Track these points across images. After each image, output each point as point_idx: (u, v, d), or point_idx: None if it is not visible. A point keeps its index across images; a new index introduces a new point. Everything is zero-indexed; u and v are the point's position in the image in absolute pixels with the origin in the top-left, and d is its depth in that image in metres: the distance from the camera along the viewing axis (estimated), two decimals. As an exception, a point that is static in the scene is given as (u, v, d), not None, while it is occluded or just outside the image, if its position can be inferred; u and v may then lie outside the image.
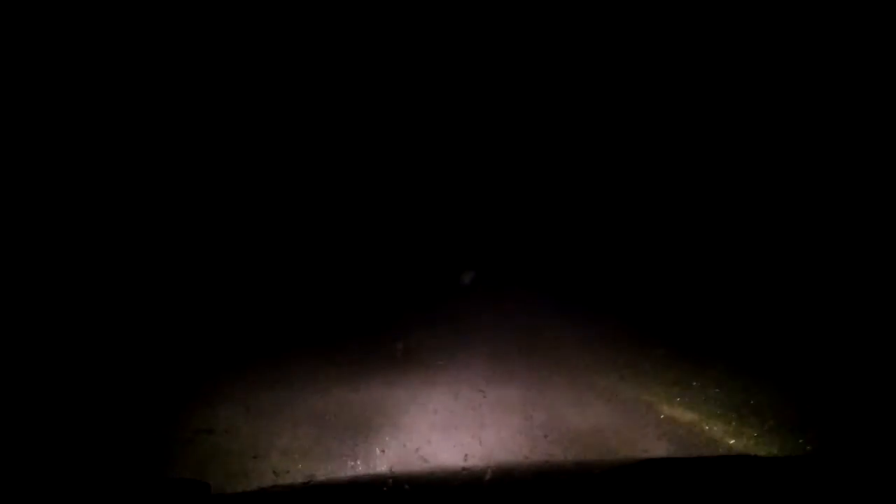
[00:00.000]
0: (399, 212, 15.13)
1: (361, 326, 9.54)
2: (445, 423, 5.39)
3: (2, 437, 4.84)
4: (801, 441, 4.65)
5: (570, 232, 14.78)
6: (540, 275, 14.22)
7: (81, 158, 10.79)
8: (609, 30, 13.01)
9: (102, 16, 10.83)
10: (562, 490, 2.22)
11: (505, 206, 15.80)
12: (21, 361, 6.63)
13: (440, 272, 13.00)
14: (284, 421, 5.48)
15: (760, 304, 8.87)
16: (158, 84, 11.92)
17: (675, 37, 12.26)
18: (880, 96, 9.64)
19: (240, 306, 9.88)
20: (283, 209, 13.47)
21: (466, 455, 4.01)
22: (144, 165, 11.64)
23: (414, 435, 5.08)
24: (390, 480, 2.33)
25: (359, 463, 4.66)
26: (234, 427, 5.24)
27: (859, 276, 8.53)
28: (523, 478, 2.62)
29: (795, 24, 10.66)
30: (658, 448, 4.82)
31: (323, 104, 14.01)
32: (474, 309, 10.88)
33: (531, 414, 5.54)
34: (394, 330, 8.95)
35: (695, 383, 6.31)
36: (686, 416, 5.55)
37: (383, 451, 4.80)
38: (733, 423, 5.20)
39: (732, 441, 4.91)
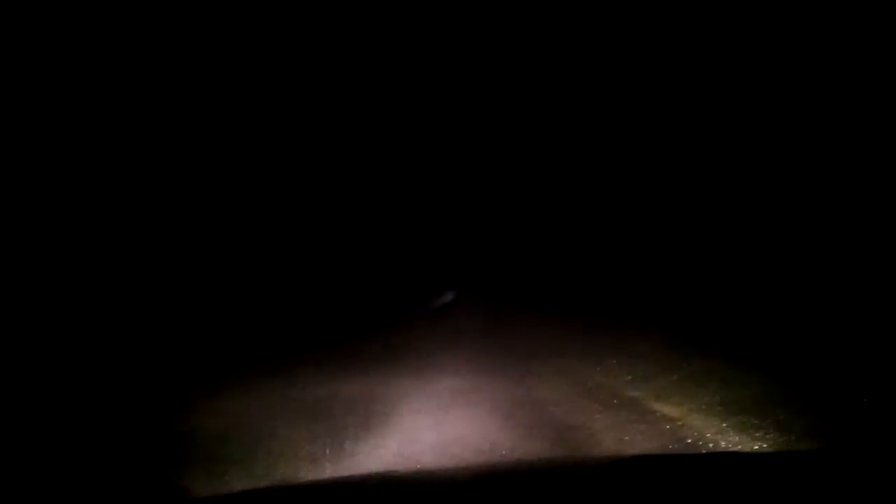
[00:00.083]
0: (399, 212, 15.18)
1: (352, 327, 9.52)
2: (432, 421, 5.37)
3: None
4: (793, 437, 4.64)
5: (562, 221, 14.79)
6: (526, 261, 14.27)
7: (80, 159, 10.76)
8: (609, 30, 13.01)
9: (102, 16, 10.77)
10: (551, 487, 2.18)
11: (502, 206, 15.84)
12: (21, 361, 6.60)
13: (434, 277, 13.07)
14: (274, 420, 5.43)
15: (756, 298, 8.82)
16: (158, 84, 11.89)
17: (676, 37, 12.26)
18: (880, 96, 9.70)
19: (218, 312, 9.89)
20: (284, 209, 13.47)
21: (452, 454, 3.98)
22: (144, 165, 11.61)
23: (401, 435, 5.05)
24: (377, 480, 2.30)
25: (343, 465, 4.61)
26: (217, 429, 5.18)
27: (860, 276, 8.49)
28: (510, 475, 2.59)
29: (795, 24, 10.70)
30: (646, 444, 4.81)
31: (323, 104, 14.02)
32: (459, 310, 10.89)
33: (516, 410, 5.53)
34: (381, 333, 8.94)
35: (686, 377, 6.28)
36: (675, 411, 5.53)
37: (370, 451, 4.75)
38: (725, 419, 5.18)
39: (722, 437, 4.89)
